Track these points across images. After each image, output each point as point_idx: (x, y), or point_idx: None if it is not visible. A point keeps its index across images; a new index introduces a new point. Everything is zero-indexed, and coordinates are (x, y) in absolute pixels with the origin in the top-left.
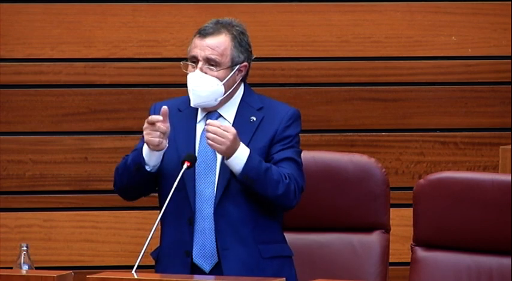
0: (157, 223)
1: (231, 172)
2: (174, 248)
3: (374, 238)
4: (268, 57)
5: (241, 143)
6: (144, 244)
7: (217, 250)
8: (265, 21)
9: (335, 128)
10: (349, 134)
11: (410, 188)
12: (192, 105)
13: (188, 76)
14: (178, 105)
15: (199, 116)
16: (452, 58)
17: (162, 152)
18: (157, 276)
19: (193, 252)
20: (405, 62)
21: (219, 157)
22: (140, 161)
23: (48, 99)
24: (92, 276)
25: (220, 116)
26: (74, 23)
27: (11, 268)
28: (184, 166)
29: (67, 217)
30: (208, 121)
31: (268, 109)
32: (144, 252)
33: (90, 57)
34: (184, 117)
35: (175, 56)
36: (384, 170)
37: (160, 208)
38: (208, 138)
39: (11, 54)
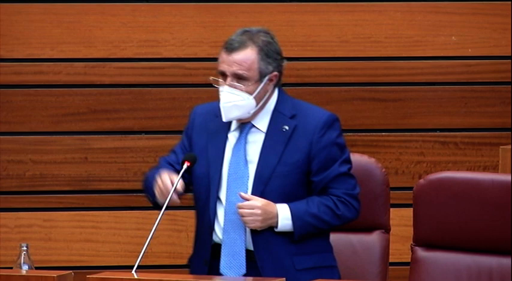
0: (157, 223)
1: (265, 185)
2: (195, 258)
3: (374, 238)
4: None
5: (276, 206)
6: (144, 244)
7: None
8: (265, 21)
9: None
10: (349, 134)
11: (410, 188)
12: (223, 120)
13: (219, 92)
14: (217, 110)
15: (233, 125)
16: (452, 58)
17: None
18: (157, 276)
19: (221, 263)
20: (405, 62)
21: (251, 169)
22: (151, 194)
23: (48, 99)
24: (92, 276)
25: (253, 126)
26: (74, 23)
27: (11, 268)
28: (184, 166)
29: (67, 217)
30: (236, 205)
31: (302, 117)
32: (144, 252)
33: (90, 57)
34: (219, 125)
35: (175, 56)
36: (383, 170)
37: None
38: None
39: (11, 54)
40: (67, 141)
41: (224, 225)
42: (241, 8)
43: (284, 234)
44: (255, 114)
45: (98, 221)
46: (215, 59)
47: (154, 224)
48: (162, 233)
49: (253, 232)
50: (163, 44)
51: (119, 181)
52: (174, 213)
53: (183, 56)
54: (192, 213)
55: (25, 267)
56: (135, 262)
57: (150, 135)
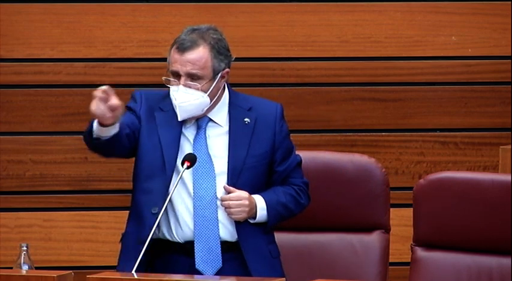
0: (157, 223)
1: (237, 178)
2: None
3: (374, 238)
4: (268, 57)
5: (253, 198)
6: (144, 244)
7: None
8: (265, 21)
9: (335, 128)
10: (349, 134)
11: (410, 188)
12: (179, 120)
13: (172, 92)
14: (160, 103)
15: (188, 121)
16: (452, 58)
17: (108, 130)
18: (157, 276)
19: (196, 260)
20: (405, 62)
21: (218, 164)
22: (91, 125)
23: (48, 99)
24: (92, 276)
25: (210, 120)
26: (74, 23)
27: (11, 268)
28: (185, 166)
29: (67, 217)
30: (220, 197)
31: (258, 109)
32: (144, 252)
33: (90, 57)
34: (170, 119)
35: None
36: (383, 170)
37: (135, 204)
38: (228, 213)
39: (11, 54)
40: (67, 141)
41: (195, 221)
42: (241, 8)
43: (258, 224)
44: (209, 109)
45: (98, 221)
46: None
47: (154, 224)
48: None
49: (237, 223)
50: (163, 44)
51: (118, 181)
52: None
53: None
54: None
55: (25, 267)
56: (135, 262)
57: None
